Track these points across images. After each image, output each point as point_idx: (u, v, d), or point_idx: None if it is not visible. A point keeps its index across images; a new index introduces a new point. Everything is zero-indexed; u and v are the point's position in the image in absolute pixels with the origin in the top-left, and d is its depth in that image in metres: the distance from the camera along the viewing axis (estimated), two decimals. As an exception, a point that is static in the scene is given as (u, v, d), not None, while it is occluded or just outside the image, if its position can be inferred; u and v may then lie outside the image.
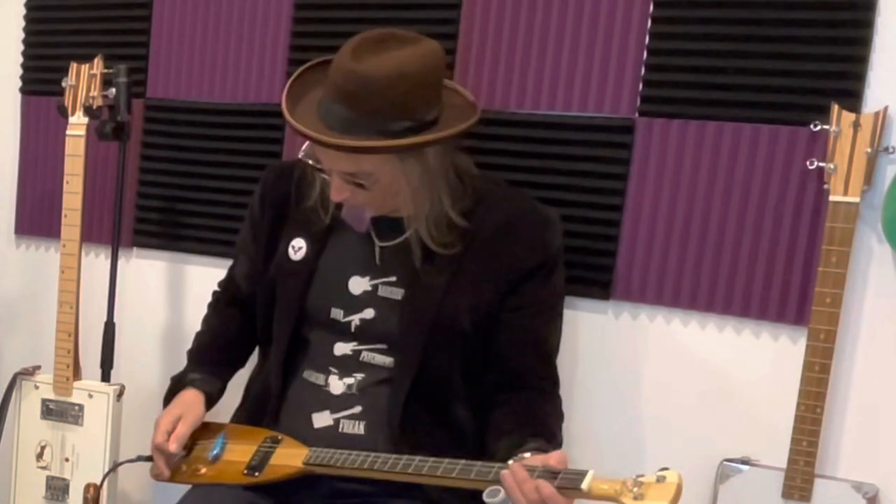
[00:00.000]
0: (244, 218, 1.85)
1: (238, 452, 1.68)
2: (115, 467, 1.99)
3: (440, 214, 1.59)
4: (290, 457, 1.62)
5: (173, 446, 1.68)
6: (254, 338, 1.84)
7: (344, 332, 1.67)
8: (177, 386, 1.78)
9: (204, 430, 1.75)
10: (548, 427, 1.62)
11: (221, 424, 1.77)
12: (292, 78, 1.62)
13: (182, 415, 1.71)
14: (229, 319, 1.87)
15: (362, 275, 1.66)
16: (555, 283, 1.68)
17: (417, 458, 1.51)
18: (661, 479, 1.32)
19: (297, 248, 1.70)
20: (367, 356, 1.66)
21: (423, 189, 1.57)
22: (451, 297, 1.61)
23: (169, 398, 1.78)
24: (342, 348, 1.67)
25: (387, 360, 1.65)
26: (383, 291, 1.65)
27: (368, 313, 1.65)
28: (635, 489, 1.31)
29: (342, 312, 1.67)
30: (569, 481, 1.36)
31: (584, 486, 1.35)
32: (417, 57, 1.50)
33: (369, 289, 1.66)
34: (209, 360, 1.83)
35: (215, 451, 1.69)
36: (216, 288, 1.93)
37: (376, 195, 1.58)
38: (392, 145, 1.50)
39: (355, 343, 1.67)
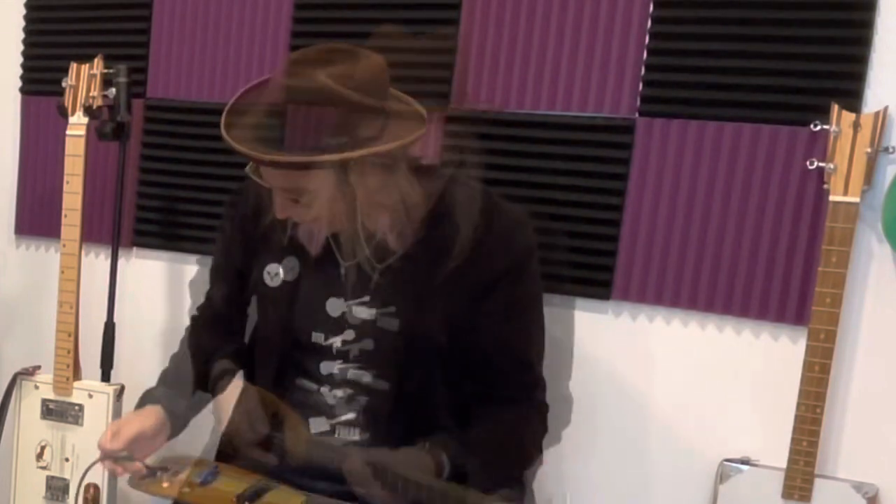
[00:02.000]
0: (215, 241, 1.84)
1: (230, 484, 1.66)
2: (93, 464, 1.95)
3: (382, 234, 1.57)
4: (287, 499, 1.60)
5: (110, 444, 1.64)
6: (237, 356, 1.82)
7: (326, 354, 1.66)
8: (139, 404, 1.77)
9: (195, 462, 1.72)
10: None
11: (214, 462, 1.74)
12: (236, 95, 1.59)
13: (129, 420, 1.70)
14: (206, 340, 1.85)
15: (338, 296, 1.65)
16: (527, 285, 1.64)
17: None
18: None
19: (273, 273, 1.69)
20: (353, 374, 1.66)
21: (365, 206, 1.53)
22: (424, 313, 1.60)
23: None
24: (328, 367, 1.67)
25: (371, 377, 1.65)
26: (359, 312, 1.64)
27: (348, 335, 1.64)
28: None
29: (323, 336, 1.66)
30: None
31: None
32: (356, 72, 1.46)
33: (346, 310, 1.65)
34: (173, 379, 1.81)
35: (204, 478, 1.67)
36: (194, 312, 1.91)
37: (319, 212, 1.54)
38: (321, 160, 1.45)
39: (340, 362, 1.66)
